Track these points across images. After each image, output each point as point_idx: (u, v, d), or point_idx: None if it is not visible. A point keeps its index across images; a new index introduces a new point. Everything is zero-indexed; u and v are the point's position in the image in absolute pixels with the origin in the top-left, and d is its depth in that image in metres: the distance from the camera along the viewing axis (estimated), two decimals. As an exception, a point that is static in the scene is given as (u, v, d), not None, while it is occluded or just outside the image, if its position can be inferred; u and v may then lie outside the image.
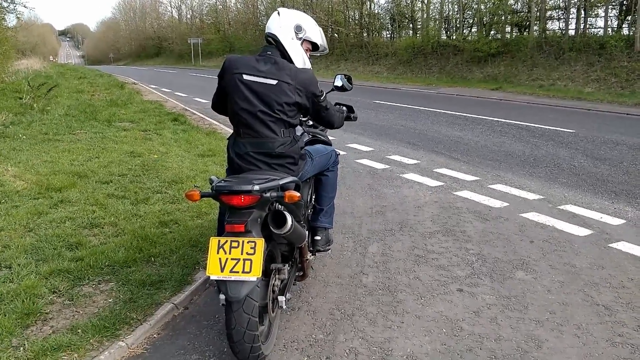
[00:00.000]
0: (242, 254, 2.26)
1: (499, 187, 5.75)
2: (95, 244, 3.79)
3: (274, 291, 2.58)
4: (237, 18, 45.97)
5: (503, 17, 23.32)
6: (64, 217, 4.27)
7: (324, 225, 3.32)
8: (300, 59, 2.85)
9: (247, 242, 2.28)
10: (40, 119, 9.35)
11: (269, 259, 2.55)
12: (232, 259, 2.26)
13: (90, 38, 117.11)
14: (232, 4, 48.74)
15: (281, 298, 2.60)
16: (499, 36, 23.81)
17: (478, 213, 4.87)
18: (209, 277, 2.31)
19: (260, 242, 2.29)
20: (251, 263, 2.25)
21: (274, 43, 2.82)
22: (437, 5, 27.66)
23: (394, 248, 4.04)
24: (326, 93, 2.92)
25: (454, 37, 26.22)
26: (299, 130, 3.08)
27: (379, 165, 6.85)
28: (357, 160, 7.16)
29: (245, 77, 2.67)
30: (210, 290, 3.30)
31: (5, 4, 13.12)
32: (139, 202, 4.78)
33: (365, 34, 31.30)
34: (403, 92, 18.48)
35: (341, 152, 7.67)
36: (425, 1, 27.46)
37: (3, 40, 16.15)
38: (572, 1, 20.61)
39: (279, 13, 2.90)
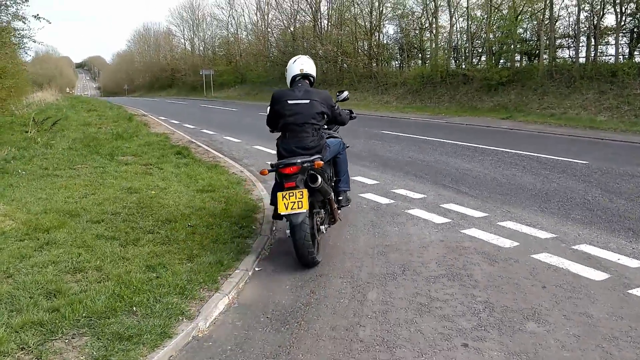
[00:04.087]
0: (295, 198, 4.04)
1: (508, 224, 5.46)
2: (75, 291, 3.57)
3: (317, 223, 4.48)
4: (249, 50, 46.59)
5: (512, 46, 23.25)
6: (48, 261, 4.07)
7: (343, 188, 5.19)
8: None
9: (298, 192, 4.06)
10: (43, 153, 9.29)
11: (310, 206, 4.30)
12: (291, 202, 4.04)
13: (105, 70, 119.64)
14: (243, 36, 49.58)
15: (322, 227, 4.58)
16: (508, 65, 23.72)
17: (486, 254, 4.58)
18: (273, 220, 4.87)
19: (305, 191, 4.08)
20: (301, 203, 4.04)
21: (307, 76, 4.73)
22: (445, 35, 27.74)
23: (395, 295, 3.76)
24: (337, 102, 4.95)
25: (464, 66, 26.18)
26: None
27: (384, 200, 6.60)
28: (361, 195, 6.92)
29: (289, 102, 4.48)
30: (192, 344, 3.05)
31: (15, 40, 13.27)
32: (129, 244, 4.57)
33: (374, 64, 31.42)
34: (412, 122, 18.32)
35: (345, 186, 7.48)
36: (434, 31, 27.54)
37: (15, 74, 16.34)
38: (582, 29, 20.49)
39: (307, 58, 4.86)
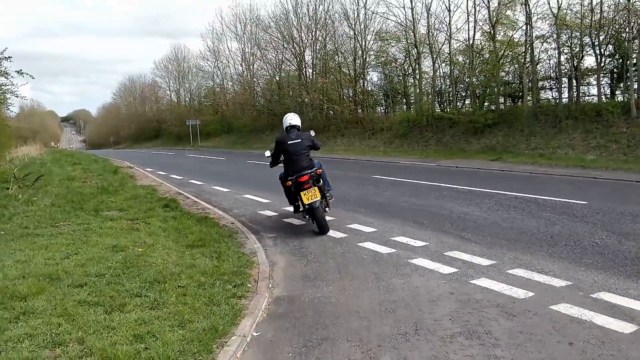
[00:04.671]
0: (312, 193, 7.08)
1: (519, 272, 5.17)
2: (53, 371, 3.17)
3: (322, 207, 7.42)
4: (235, 99, 46.92)
5: (496, 89, 23.63)
6: (24, 334, 3.67)
7: (328, 188, 7.96)
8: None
9: (313, 189, 7.09)
10: (23, 211, 8.87)
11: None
12: (310, 195, 7.06)
13: (91, 123, 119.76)
14: (229, 86, 50.02)
15: (326, 209, 7.77)
16: (493, 107, 24.04)
17: (502, 307, 4.26)
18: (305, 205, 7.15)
19: (316, 188, 7.13)
20: (316, 195, 7.09)
21: (294, 126, 7.71)
22: (429, 80, 28.22)
23: (411, 359, 3.41)
24: (314, 138, 7.72)
25: (448, 110, 26.50)
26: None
27: (384, 249, 6.29)
28: (359, 244, 6.62)
29: (289, 142, 7.41)
30: None
31: (-1, 96, 13.08)
32: (114, 310, 4.18)
33: (360, 110, 31.72)
34: (401, 165, 18.23)
35: (342, 235, 7.16)
36: (417, 77, 28.00)
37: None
38: (563, 71, 20.92)
39: (294, 115, 7.92)
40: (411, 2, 26.21)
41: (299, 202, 7.43)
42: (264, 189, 12.37)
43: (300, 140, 7.47)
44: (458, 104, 26.69)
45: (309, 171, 7.25)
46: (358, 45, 30.47)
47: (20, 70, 11.55)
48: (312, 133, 7.96)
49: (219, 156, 27.64)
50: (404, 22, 27.13)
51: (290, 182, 7.31)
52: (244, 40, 44.22)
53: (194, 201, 10.81)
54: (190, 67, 57.97)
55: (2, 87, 12.72)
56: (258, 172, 17.62)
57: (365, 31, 30.17)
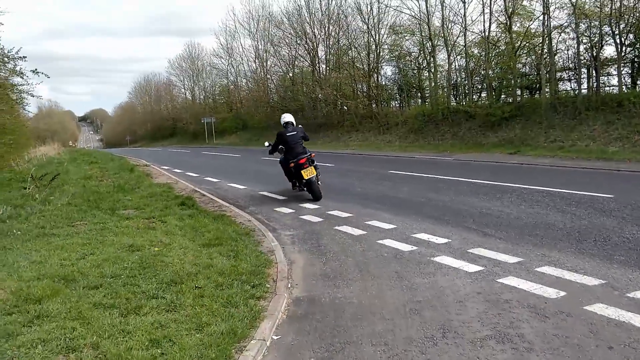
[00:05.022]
0: (310, 171, 9.49)
1: (548, 270, 4.95)
2: (68, 378, 3.06)
3: (317, 178, 9.77)
4: (249, 96, 46.91)
5: (512, 81, 23.20)
6: (37, 339, 3.56)
7: (316, 164, 10.08)
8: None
9: (310, 168, 9.49)
10: (40, 210, 8.85)
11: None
12: (308, 173, 9.47)
13: (108, 122, 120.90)
14: (243, 84, 50.03)
15: (319, 182, 9.87)
16: (510, 99, 23.61)
17: (533, 308, 4.06)
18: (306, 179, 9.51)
19: (312, 167, 9.57)
20: (312, 172, 9.53)
21: (289, 122, 10.28)
22: (444, 74, 27.83)
23: (439, 364, 3.23)
24: (304, 131, 10.24)
25: (464, 103, 26.11)
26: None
27: (405, 247, 6.11)
28: (379, 241, 6.44)
29: (287, 134, 9.87)
30: None
31: (13, 95, 13.10)
32: (129, 313, 4.06)
33: (374, 105, 31.44)
34: (418, 160, 17.97)
35: (361, 232, 6.99)
36: (432, 70, 27.63)
37: (15, 129, 16.14)
38: (582, 61, 20.43)
39: (289, 115, 10.60)
40: (425, -6, 25.84)
41: (297, 179, 10.17)
42: (280, 186, 12.24)
43: (295, 132, 9.97)
44: (474, 97, 26.29)
45: (306, 155, 9.72)
46: (372, 39, 30.17)
47: (35, 69, 11.57)
48: (301, 127, 10.43)
49: (234, 153, 27.60)
50: (418, 15, 26.77)
51: (292, 164, 9.70)
52: (257, 37, 44.24)
53: (210, 199, 10.71)
54: (204, 65, 58.16)
55: (18, 86, 12.73)
56: (273, 168, 17.46)
57: (378, 25, 29.87)
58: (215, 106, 54.55)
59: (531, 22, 22.58)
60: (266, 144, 10.99)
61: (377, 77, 31.47)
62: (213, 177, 15.06)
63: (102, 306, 4.21)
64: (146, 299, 4.38)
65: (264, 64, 43.86)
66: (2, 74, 12.13)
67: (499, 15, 23.36)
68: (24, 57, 11.21)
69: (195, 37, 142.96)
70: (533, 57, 22.94)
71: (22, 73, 11.68)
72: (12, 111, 13.34)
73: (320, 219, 8.04)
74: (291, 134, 9.90)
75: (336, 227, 7.37)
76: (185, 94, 64.95)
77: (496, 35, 24.45)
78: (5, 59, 11.32)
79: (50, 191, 10.91)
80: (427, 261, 5.49)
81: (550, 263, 5.17)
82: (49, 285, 4.60)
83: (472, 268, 5.16)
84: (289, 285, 4.98)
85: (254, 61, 45.38)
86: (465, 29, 24.81)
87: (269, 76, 43.63)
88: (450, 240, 6.26)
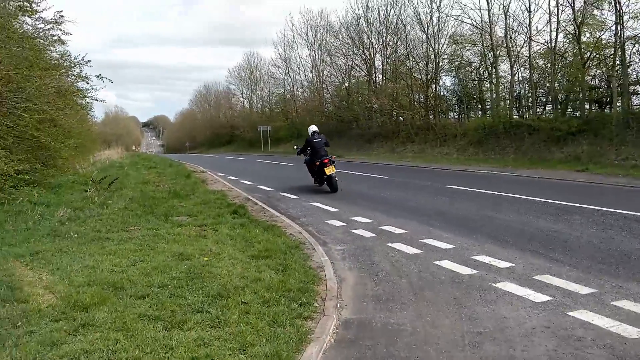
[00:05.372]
0: (332, 168, 12.51)
1: (626, 304, 4.45)
2: (106, 396, 2.94)
3: (335, 175, 12.75)
4: (305, 106, 47.27)
5: (580, 94, 22.01)
6: (80, 350, 3.49)
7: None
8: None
9: (332, 166, 12.54)
10: (98, 213, 9.06)
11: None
12: (330, 170, 12.48)
13: (169, 128, 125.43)
14: (299, 93, 50.49)
15: (336, 179, 12.77)
16: (577, 114, 22.40)
17: (611, 348, 3.61)
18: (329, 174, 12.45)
19: (333, 166, 12.58)
20: (334, 169, 12.59)
21: (315, 131, 13.33)
22: (506, 85, 26.85)
23: (504, 410, 2.88)
24: (326, 138, 13.47)
25: (527, 117, 25.04)
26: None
27: (464, 270, 5.71)
28: (436, 262, 6.07)
29: (314, 140, 12.99)
30: None
31: (78, 99, 13.65)
32: (173, 327, 3.94)
33: (431, 116, 30.76)
34: (477, 175, 17.28)
35: (416, 251, 6.65)
36: (494, 81, 26.71)
37: (81, 133, 16.83)
38: (660, 74, 19.08)
39: (314, 126, 14.02)
40: (488, 3, 25.10)
41: (319, 175, 12.99)
42: (332, 196, 12.05)
43: (320, 139, 13.05)
44: (538, 110, 25.17)
45: (328, 157, 12.63)
46: (431, 49, 29.59)
47: (100, 74, 11.98)
48: (323, 135, 13.55)
49: (288, 162, 27.69)
50: (480, 24, 26.02)
51: (318, 163, 12.64)
52: (315, 47, 44.50)
53: (262, 207, 10.65)
54: (262, 75, 59.23)
55: (84, 91, 13.24)
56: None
57: (438, 35, 29.25)
58: (271, 115, 55.36)
59: (602, 33, 21.40)
60: (295, 147, 14.88)
61: (436, 88, 30.81)
62: (266, 186, 15.07)
63: (147, 318, 4.12)
64: (191, 312, 4.26)
65: (320, 73, 44.07)
66: (68, 79, 12.65)
67: (566, 25, 22.34)
68: (88, 61, 11.64)
69: (254, 47, 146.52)
70: (603, 69, 21.70)
71: (87, 78, 12.14)
72: (77, 115, 13.87)
73: (373, 234, 7.75)
74: (317, 140, 12.95)
75: (389, 244, 7.06)
76: (243, 103, 66.40)
77: (563, 45, 23.38)
78: (72, 64, 11.79)
79: (109, 195, 11.22)
80: (489, 287, 5.09)
81: (629, 296, 4.65)
82: (97, 292, 4.58)
83: (539, 297, 4.72)
84: (338, 306, 4.73)
85: (311, 71, 45.72)
86: (530, 39, 23.85)
87: (324, 86, 43.79)
88: (513, 265, 5.81)
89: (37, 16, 10.92)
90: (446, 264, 5.99)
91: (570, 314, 4.31)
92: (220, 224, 8.38)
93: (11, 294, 4.59)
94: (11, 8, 10.18)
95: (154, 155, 49.75)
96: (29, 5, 10.42)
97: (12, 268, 5.45)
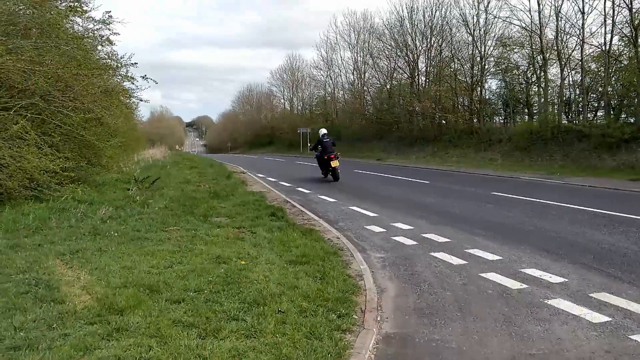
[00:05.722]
0: (336, 161, 16.49)
1: (698, 330, 4.03)
2: (136, 407, 2.82)
3: (338, 168, 16.77)
4: (345, 108, 47.06)
5: (636, 100, 20.93)
6: (113, 355, 3.41)
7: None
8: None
9: (336, 159, 16.52)
10: (138, 212, 9.13)
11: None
12: (335, 162, 16.44)
13: (211, 129, 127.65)
14: (340, 95, 50.31)
15: (338, 170, 16.72)
16: (632, 120, 21.31)
17: (684, 381, 3.25)
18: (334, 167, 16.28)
19: (337, 160, 16.57)
20: (338, 162, 16.64)
21: (325, 134, 17.23)
22: (555, 89, 25.86)
23: None
24: (333, 139, 17.59)
25: (577, 122, 24.02)
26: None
27: (513, 284, 5.38)
28: (482, 274, 5.75)
29: (324, 140, 16.82)
30: None
31: (124, 99, 13.92)
32: (208, 335, 3.82)
33: (475, 120, 29.98)
34: (523, 181, 16.63)
35: (460, 262, 6.34)
36: (543, 85, 25.77)
37: (125, 132, 17.18)
38: None
39: (323, 128, 18.41)
40: (539, 5, 24.20)
41: (326, 167, 16.53)
42: (371, 201, 11.81)
43: (328, 139, 16.63)
44: (589, 115, 24.11)
45: (333, 153, 16.16)
46: (477, 51, 28.83)
47: (145, 75, 12.18)
48: (331, 137, 17.26)
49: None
50: (529, 26, 25.15)
51: (326, 157, 16.16)
52: (357, 49, 44.22)
53: (300, 210, 10.53)
54: (303, 77, 59.38)
55: (130, 91, 13.49)
56: (366, 181, 17.11)
57: (485, 37, 28.46)
58: (311, 117, 55.34)
59: (662, 35, 20.24)
60: (309, 144, 20.06)
61: (481, 91, 30.03)
62: (305, 188, 14.96)
63: (181, 324, 4.01)
64: (226, 320, 4.13)
65: (362, 75, 43.74)
66: (115, 79, 12.91)
67: (622, 27, 21.29)
68: (135, 63, 11.85)
69: (296, 49, 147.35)
70: (662, 72, 20.55)
71: (132, 78, 12.36)
72: (122, 114, 14.15)
73: (414, 242, 7.47)
74: (326, 140, 16.56)
75: (432, 253, 6.76)
76: (284, 104, 66.76)
77: (618, 48, 22.31)
78: (119, 65, 12.02)
79: (151, 194, 11.34)
80: (541, 304, 4.75)
81: (700, 321, 4.23)
82: (133, 295, 4.52)
83: (597, 318, 4.36)
84: (379, 318, 4.50)
85: (352, 73, 45.45)
86: (583, 42, 22.87)
87: (366, 88, 43.44)
88: (567, 280, 5.43)
89: (86, 16, 11.18)
90: (493, 276, 5.66)
91: (633, 337, 3.94)
92: (258, 226, 8.29)
93: (49, 293, 4.59)
94: (62, 8, 10.43)
95: (196, 155, 50.63)
96: (79, 5, 10.68)
97: (53, 266, 5.48)
